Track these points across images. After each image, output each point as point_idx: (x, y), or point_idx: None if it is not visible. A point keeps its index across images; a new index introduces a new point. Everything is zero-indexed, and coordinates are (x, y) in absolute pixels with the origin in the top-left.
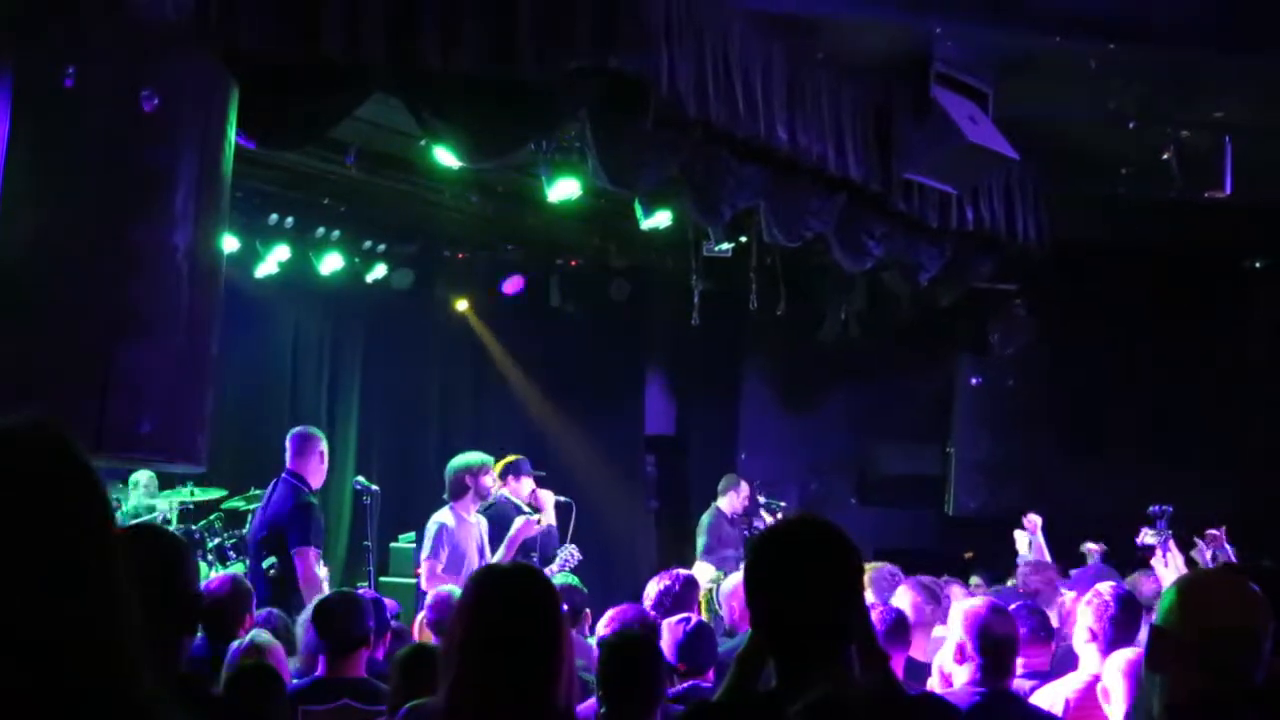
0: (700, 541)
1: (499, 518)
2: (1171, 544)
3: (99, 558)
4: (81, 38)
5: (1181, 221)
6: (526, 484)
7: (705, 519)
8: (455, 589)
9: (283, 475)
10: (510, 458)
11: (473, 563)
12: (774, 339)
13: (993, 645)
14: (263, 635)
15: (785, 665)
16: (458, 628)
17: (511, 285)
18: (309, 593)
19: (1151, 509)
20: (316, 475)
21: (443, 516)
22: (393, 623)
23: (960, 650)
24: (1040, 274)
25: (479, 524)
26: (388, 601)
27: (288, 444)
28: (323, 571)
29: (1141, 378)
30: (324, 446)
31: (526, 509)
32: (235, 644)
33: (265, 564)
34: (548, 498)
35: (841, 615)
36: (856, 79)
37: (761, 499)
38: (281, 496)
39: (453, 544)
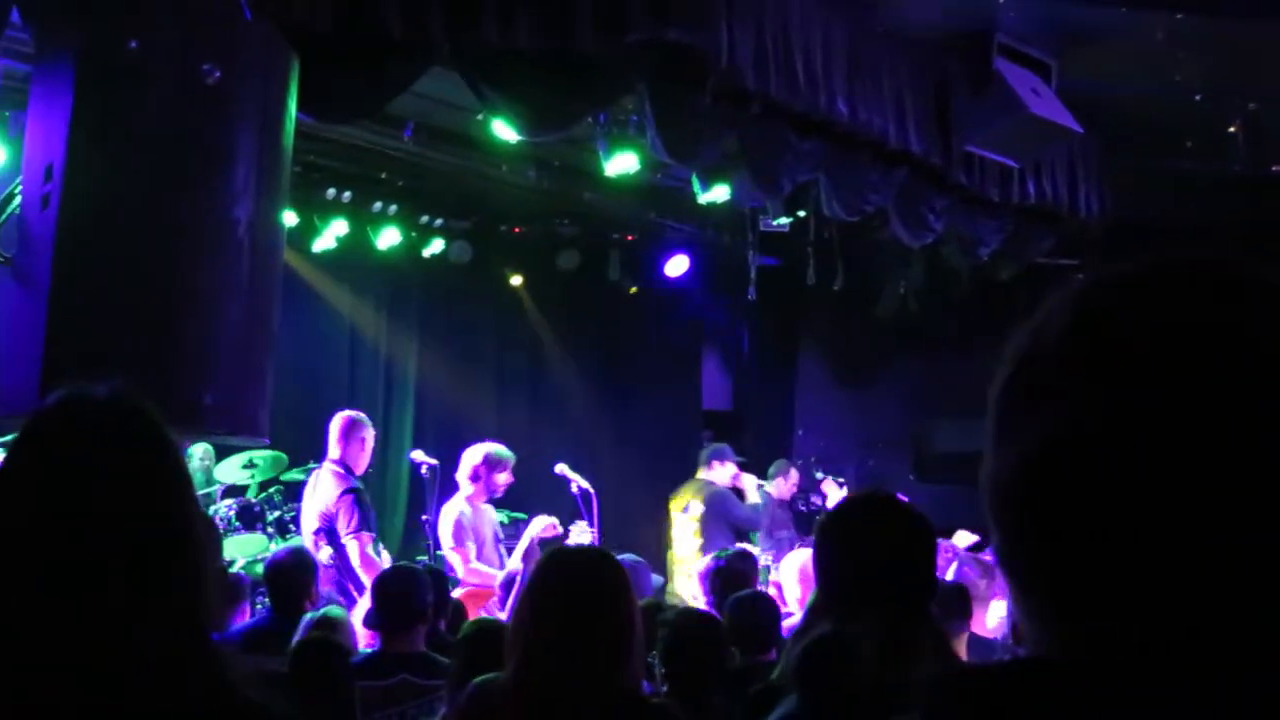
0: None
1: (711, 499)
2: None
3: (184, 528)
4: (143, 12)
5: (1248, 196)
6: (729, 469)
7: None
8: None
9: (325, 463)
10: (716, 445)
11: (490, 554)
12: (831, 314)
13: None
14: (336, 609)
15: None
16: (526, 608)
17: (566, 258)
18: (369, 576)
19: None
20: (360, 461)
21: (458, 506)
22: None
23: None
24: (1102, 249)
25: (489, 512)
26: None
27: (333, 429)
28: (385, 558)
29: None
30: (369, 432)
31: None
32: (308, 616)
33: (323, 555)
34: (749, 482)
35: (913, 594)
36: (917, 51)
37: (819, 474)
38: (328, 486)
39: (476, 533)
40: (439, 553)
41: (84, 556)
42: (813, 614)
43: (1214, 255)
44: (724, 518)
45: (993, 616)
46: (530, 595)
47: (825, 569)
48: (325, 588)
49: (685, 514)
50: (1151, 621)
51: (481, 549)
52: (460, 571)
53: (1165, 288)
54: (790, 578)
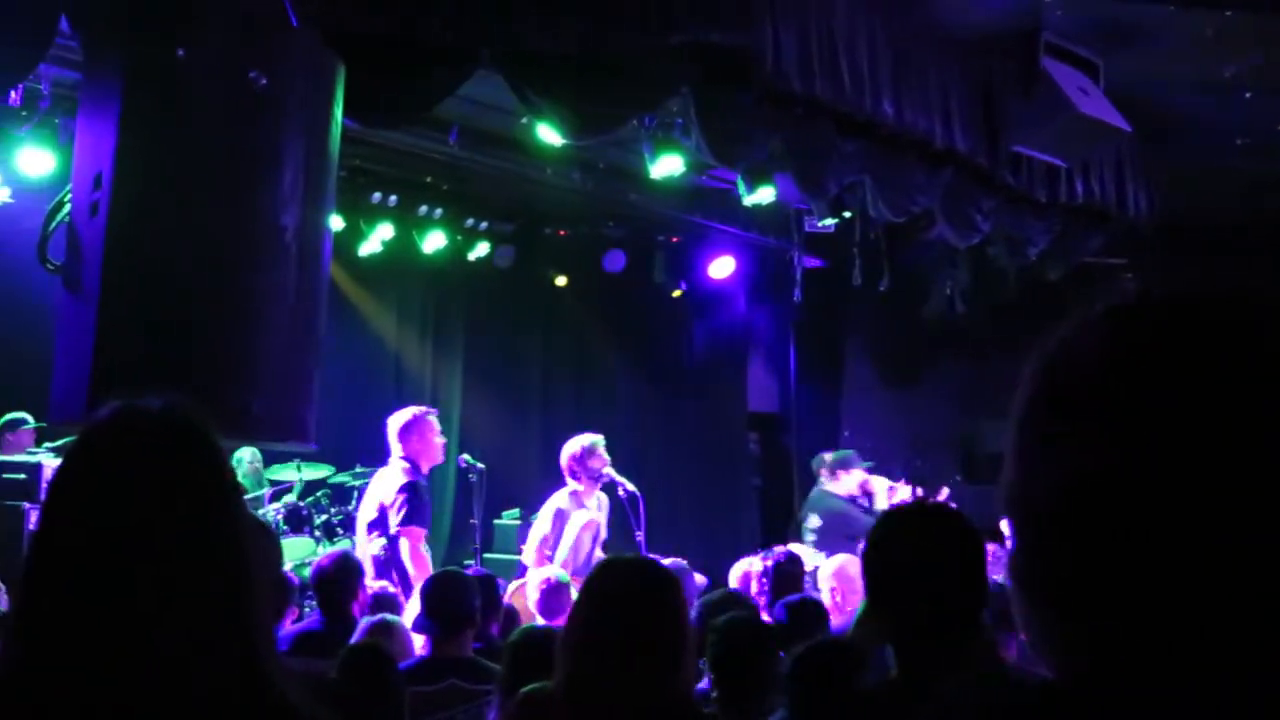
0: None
1: (829, 511)
2: None
3: (227, 539)
4: (191, 20)
5: None
6: (856, 476)
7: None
8: (563, 574)
9: (391, 459)
10: (841, 452)
11: (583, 547)
12: (878, 315)
13: None
14: (392, 616)
15: (906, 654)
16: (579, 617)
17: (612, 261)
18: (418, 573)
19: None
20: (425, 456)
21: (559, 500)
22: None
23: None
24: (1150, 248)
25: (600, 503)
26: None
27: (391, 427)
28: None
29: None
30: (430, 427)
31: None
32: (364, 620)
33: (375, 548)
34: (879, 484)
35: (965, 604)
36: (963, 51)
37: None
38: (390, 479)
39: (562, 528)
40: (484, 555)
41: (132, 567)
42: (862, 622)
43: (1254, 292)
44: (842, 530)
45: None
46: (581, 604)
47: (874, 577)
48: (378, 581)
49: (805, 525)
50: (1180, 649)
51: (570, 545)
52: (529, 558)
53: (1206, 323)
54: (826, 582)
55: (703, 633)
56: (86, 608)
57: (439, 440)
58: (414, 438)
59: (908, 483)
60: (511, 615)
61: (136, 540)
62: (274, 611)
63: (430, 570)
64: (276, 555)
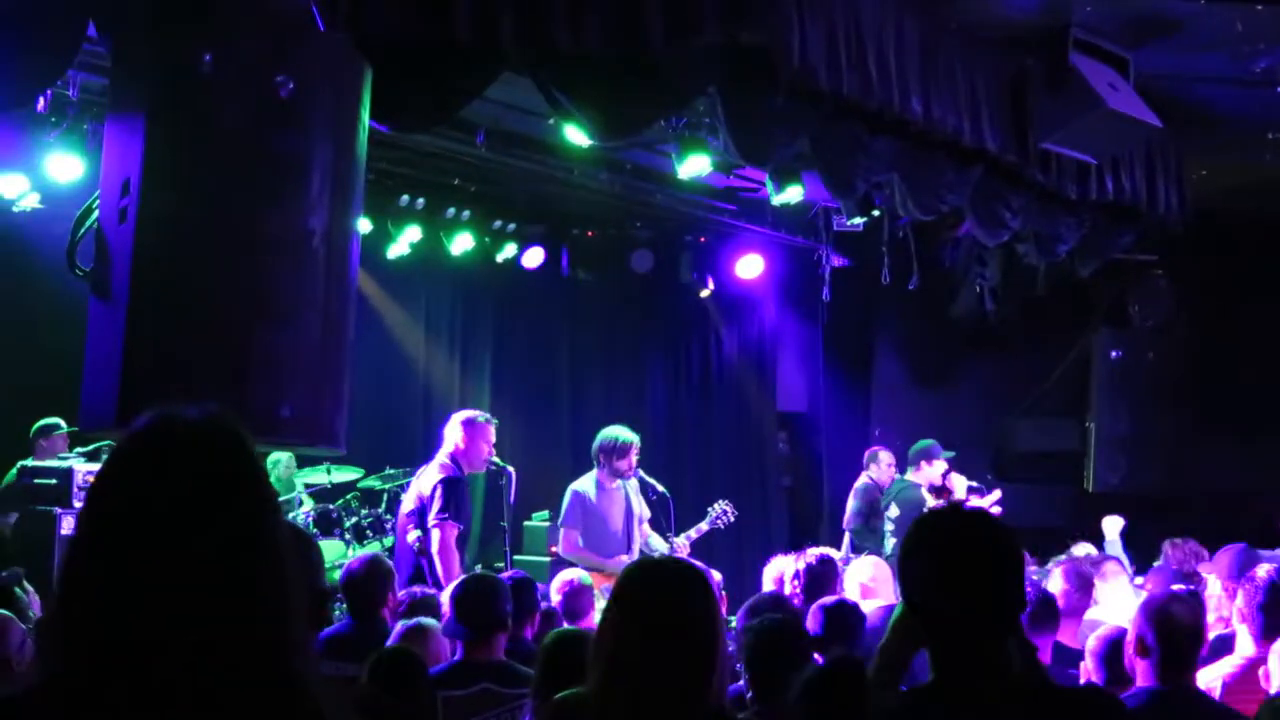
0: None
1: (908, 502)
2: None
3: (266, 548)
4: (217, 25)
5: None
6: (939, 467)
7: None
8: (584, 575)
9: (438, 453)
10: (923, 443)
11: (617, 532)
12: (907, 313)
13: (1172, 637)
14: (428, 620)
15: (943, 658)
16: (609, 621)
17: (640, 261)
18: (444, 564)
19: None
20: (469, 461)
21: (581, 485)
22: (542, 603)
23: (1139, 642)
24: (1182, 244)
25: (622, 490)
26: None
27: (452, 421)
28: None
29: None
30: (479, 428)
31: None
32: (401, 624)
33: (410, 537)
34: (959, 482)
35: (1002, 608)
36: (991, 48)
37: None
38: (430, 474)
39: (594, 514)
40: (515, 558)
41: (170, 576)
42: (898, 628)
43: None
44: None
45: (1086, 626)
46: (612, 609)
47: (908, 582)
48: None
49: (886, 515)
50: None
51: (599, 532)
52: (561, 549)
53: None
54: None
55: (742, 634)
56: (123, 616)
57: (487, 448)
58: (465, 437)
59: (984, 489)
60: (550, 618)
61: (174, 549)
62: (315, 620)
63: (458, 566)
64: (318, 563)
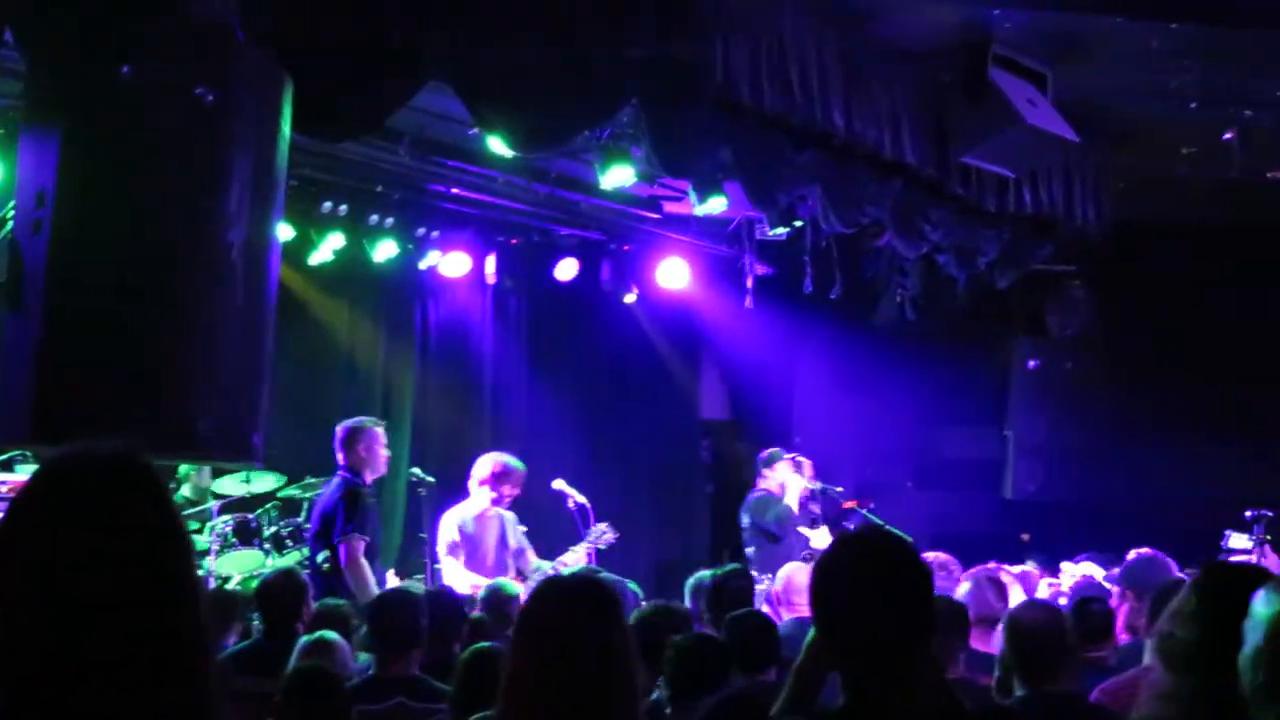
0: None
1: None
2: (1268, 550)
3: (174, 583)
4: (135, 36)
5: (1244, 202)
6: (783, 470)
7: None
8: (506, 582)
9: (336, 471)
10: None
11: (491, 561)
12: (829, 323)
13: (1022, 645)
14: (330, 633)
15: (853, 684)
16: (514, 641)
17: (563, 269)
18: (355, 579)
19: (1247, 513)
20: (370, 467)
21: (459, 514)
22: (473, 612)
23: (1003, 654)
24: (1099, 255)
25: (500, 519)
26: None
27: (338, 435)
28: (390, 577)
29: (1202, 360)
30: (372, 437)
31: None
32: (303, 640)
33: (319, 557)
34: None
35: (911, 636)
36: (913, 63)
37: (818, 485)
38: (331, 489)
39: (472, 541)
40: (436, 566)
41: (80, 613)
42: (810, 653)
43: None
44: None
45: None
46: (517, 628)
47: (820, 610)
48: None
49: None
50: None
51: (475, 555)
52: (446, 579)
53: None
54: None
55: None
56: (32, 655)
57: (384, 452)
58: (359, 448)
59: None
60: (479, 628)
61: (85, 586)
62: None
63: (369, 579)
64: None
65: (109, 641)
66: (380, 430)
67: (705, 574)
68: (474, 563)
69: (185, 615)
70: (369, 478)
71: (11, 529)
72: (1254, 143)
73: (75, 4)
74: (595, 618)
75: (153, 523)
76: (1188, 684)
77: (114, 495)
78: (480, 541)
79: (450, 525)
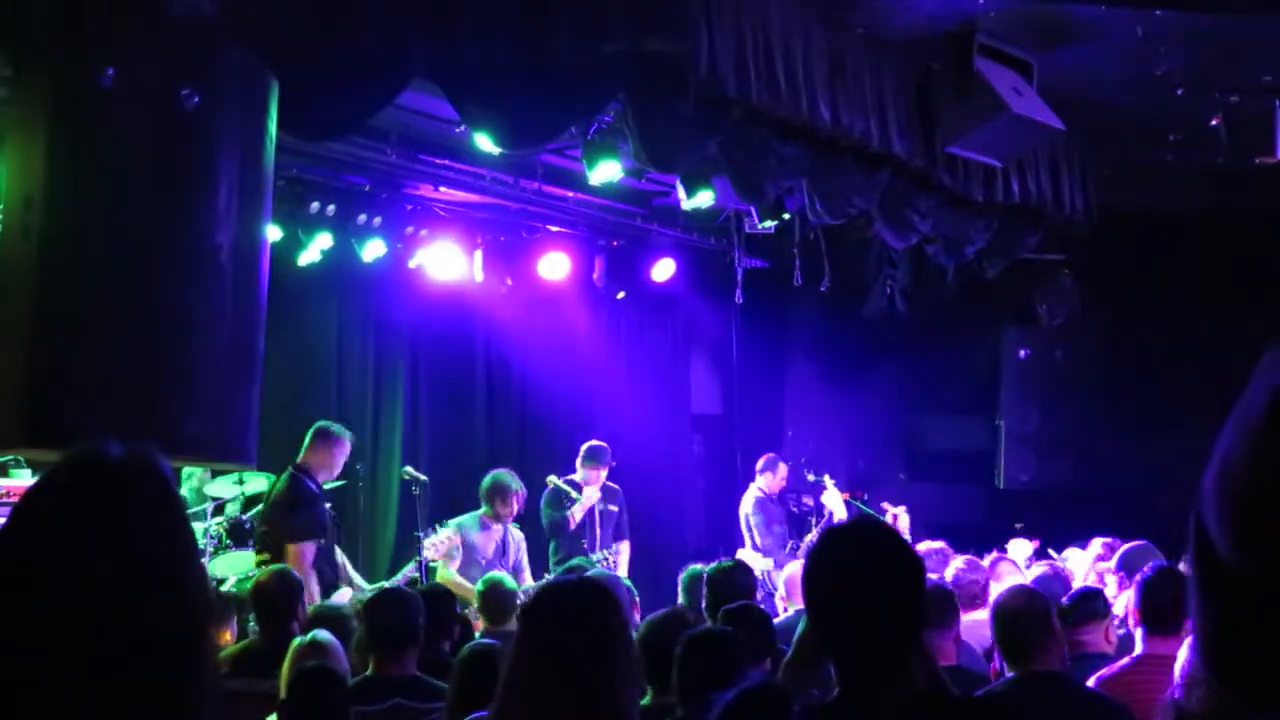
0: (752, 525)
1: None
2: None
3: (179, 588)
4: (119, 39)
5: (1231, 188)
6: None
7: (749, 504)
8: (503, 576)
9: (289, 468)
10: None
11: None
12: (819, 315)
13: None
14: (323, 634)
15: (846, 674)
16: (514, 644)
17: (553, 266)
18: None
19: None
20: (325, 471)
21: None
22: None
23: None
24: (1087, 243)
25: (501, 533)
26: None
27: (313, 441)
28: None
29: (1192, 348)
30: (337, 444)
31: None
32: (297, 641)
33: (257, 559)
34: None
35: (903, 626)
36: (898, 53)
37: (810, 476)
38: (280, 489)
39: (472, 550)
40: (431, 564)
41: (83, 617)
42: (803, 643)
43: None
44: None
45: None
46: (520, 635)
47: (813, 602)
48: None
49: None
50: None
51: (469, 568)
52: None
53: None
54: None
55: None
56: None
57: (343, 459)
58: (320, 450)
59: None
60: (469, 627)
61: (89, 586)
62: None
63: (312, 585)
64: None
65: (112, 642)
66: (347, 439)
67: (699, 567)
68: (468, 573)
69: (190, 618)
70: (320, 480)
71: (19, 528)
72: (1240, 129)
73: (57, 6)
74: (594, 617)
75: (165, 526)
76: None
77: (127, 497)
78: (478, 550)
79: (452, 531)
